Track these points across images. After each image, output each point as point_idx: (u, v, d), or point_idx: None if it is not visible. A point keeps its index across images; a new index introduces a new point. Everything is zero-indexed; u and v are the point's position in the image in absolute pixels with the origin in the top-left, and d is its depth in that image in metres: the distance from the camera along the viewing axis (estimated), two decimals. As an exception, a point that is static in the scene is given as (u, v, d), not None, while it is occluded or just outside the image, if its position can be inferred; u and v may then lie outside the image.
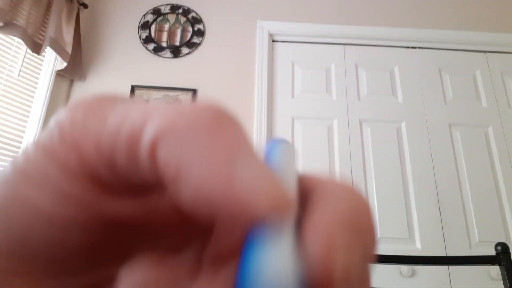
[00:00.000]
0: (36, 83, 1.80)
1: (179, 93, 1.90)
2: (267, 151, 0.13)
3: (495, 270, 1.61)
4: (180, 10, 2.08)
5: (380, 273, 1.61)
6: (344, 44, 2.05)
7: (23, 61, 1.73)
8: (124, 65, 1.97)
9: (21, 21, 1.63)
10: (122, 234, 0.12)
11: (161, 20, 2.07)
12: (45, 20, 1.80)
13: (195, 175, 0.09)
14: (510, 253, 0.91)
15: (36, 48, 1.71)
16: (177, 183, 0.10)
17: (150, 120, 0.10)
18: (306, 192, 0.12)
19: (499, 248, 0.92)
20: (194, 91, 1.90)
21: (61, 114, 0.12)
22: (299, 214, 0.11)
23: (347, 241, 0.10)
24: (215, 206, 0.09)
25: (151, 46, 2.00)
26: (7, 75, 1.66)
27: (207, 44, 2.02)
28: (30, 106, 1.76)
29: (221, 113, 0.11)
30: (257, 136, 1.81)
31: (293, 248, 0.10)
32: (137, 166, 0.10)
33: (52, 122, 0.12)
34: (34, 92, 1.78)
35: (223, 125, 0.10)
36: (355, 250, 0.10)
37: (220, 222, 0.10)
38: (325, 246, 0.10)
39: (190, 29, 2.05)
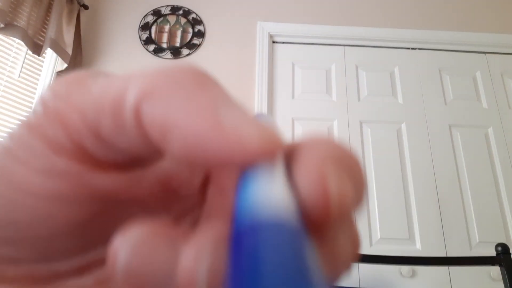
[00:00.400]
0: (36, 84, 1.80)
1: (180, 94, 1.90)
2: None
3: (495, 271, 1.61)
4: (181, 11, 2.09)
5: (380, 274, 1.61)
6: (344, 45, 2.05)
7: (23, 62, 1.73)
8: (125, 66, 1.97)
9: (21, 22, 1.63)
10: (109, 210, 0.12)
11: (161, 21, 2.07)
12: (46, 21, 1.80)
13: (182, 128, 0.10)
14: (510, 254, 0.91)
15: (37, 49, 1.71)
16: (165, 139, 0.10)
17: (132, 83, 0.10)
18: (292, 148, 0.12)
19: (499, 248, 0.92)
20: (194, 92, 1.90)
21: (45, 91, 0.12)
22: (286, 163, 0.11)
23: (338, 171, 0.10)
24: (207, 154, 0.10)
25: (152, 47, 2.00)
26: (7, 76, 1.66)
27: (207, 45, 2.03)
28: (30, 108, 1.76)
29: (200, 71, 0.11)
30: (257, 137, 1.81)
31: (285, 181, 0.10)
32: (123, 131, 0.10)
33: (36, 101, 0.12)
34: (34, 93, 1.78)
35: (203, 82, 0.11)
36: (346, 179, 0.10)
37: (214, 168, 0.10)
38: (318, 174, 0.10)
39: (191, 30, 2.05)
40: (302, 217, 0.10)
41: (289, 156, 0.11)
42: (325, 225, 0.10)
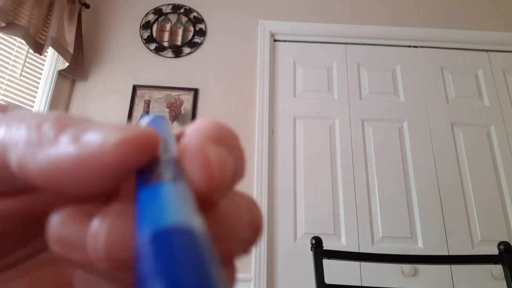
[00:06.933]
0: (38, 83, 1.80)
1: (181, 92, 1.90)
2: (140, 121, 0.15)
3: (497, 269, 1.60)
4: (182, 10, 2.09)
5: (382, 272, 1.61)
6: (345, 43, 2.05)
7: (25, 61, 1.74)
8: (126, 65, 1.97)
9: (23, 21, 1.64)
10: (19, 225, 0.13)
11: (162, 20, 2.07)
12: (47, 20, 1.80)
13: (62, 173, 0.10)
14: (513, 252, 0.91)
15: (38, 48, 1.72)
16: (58, 187, 0.11)
17: (12, 144, 0.11)
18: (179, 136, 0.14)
19: (501, 247, 0.92)
20: (195, 91, 1.90)
21: None
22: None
23: (216, 147, 0.12)
24: (91, 182, 0.11)
25: (153, 46, 2.00)
26: (9, 75, 1.66)
27: (209, 43, 2.02)
28: (32, 106, 1.76)
29: (58, 114, 0.12)
30: (259, 135, 1.81)
31: (176, 172, 0.11)
32: (17, 179, 0.12)
33: None
34: (36, 92, 1.79)
35: (63, 121, 0.12)
36: (224, 152, 0.12)
37: (105, 185, 0.11)
38: (199, 152, 0.11)
39: (192, 28, 2.05)
40: (195, 198, 0.11)
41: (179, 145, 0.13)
42: (212, 195, 0.11)
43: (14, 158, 0.11)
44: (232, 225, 0.12)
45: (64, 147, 0.11)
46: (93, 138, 0.11)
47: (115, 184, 0.11)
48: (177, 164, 0.11)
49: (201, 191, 0.11)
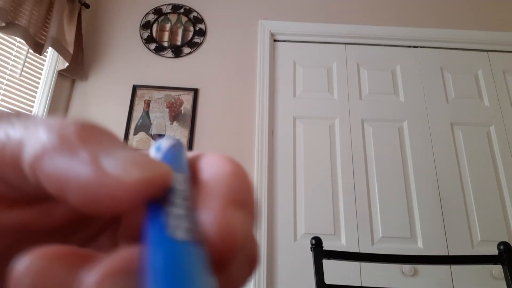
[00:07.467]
0: (38, 83, 1.80)
1: (181, 92, 1.90)
2: (155, 147, 0.15)
3: (497, 270, 1.60)
4: (182, 10, 2.09)
5: (382, 273, 1.61)
6: (345, 43, 2.05)
7: (25, 61, 1.74)
8: (126, 65, 1.97)
9: (23, 21, 1.64)
10: (25, 240, 0.13)
11: (162, 20, 2.07)
12: (47, 20, 1.80)
13: (73, 183, 0.11)
14: (512, 253, 0.91)
15: (38, 48, 1.72)
16: (63, 194, 0.11)
17: (26, 143, 0.11)
18: (195, 170, 0.14)
19: (501, 247, 0.92)
20: (195, 91, 1.90)
21: None
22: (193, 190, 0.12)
23: (239, 214, 0.12)
24: (98, 202, 0.11)
25: (153, 46, 2.00)
26: (9, 75, 1.66)
27: (209, 43, 2.02)
28: (32, 106, 1.76)
29: (84, 124, 0.12)
30: (259, 135, 1.81)
31: (187, 212, 0.11)
32: (25, 180, 0.12)
33: None
34: (36, 92, 1.79)
35: (87, 133, 0.12)
36: (246, 220, 0.12)
37: (108, 213, 0.11)
38: (221, 220, 0.11)
39: (192, 28, 2.05)
40: (206, 252, 0.11)
41: (194, 177, 0.13)
42: (228, 262, 0.11)
43: (28, 157, 0.11)
44: (238, 279, 0.12)
45: (82, 165, 0.11)
46: (113, 167, 0.11)
47: (121, 213, 0.11)
48: (192, 214, 0.11)
49: (217, 258, 0.11)
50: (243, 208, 0.12)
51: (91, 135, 0.11)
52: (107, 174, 0.10)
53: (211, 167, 0.13)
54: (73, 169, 0.11)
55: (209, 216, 0.11)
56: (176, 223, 0.11)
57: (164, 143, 0.15)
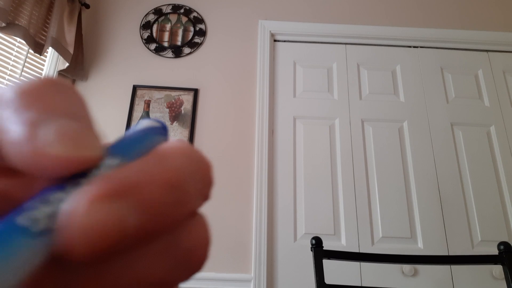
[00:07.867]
0: (38, 83, 1.80)
1: (181, 92, 1.90)
2: (136, 125, 0.15)
3: (497, 270, 1.60)
4: (182, 10, 2.09)
5: (382, 272, 1.61)
6: (346, 43, 2.05)
7: (25, 61, 1.74)
8: (126, 65, 1.97)
9: (23, 21, 1.64)
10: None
11: (162, 20, 2.07)
12: (47, 20, 1.80)
13: (7, 140, 0.11)
14: (512, 253, 0.91)
15: (38, 48, 1.72)
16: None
17: None
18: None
19: (501, 247, 0.92)
20: (195, 91, 1.90)
21: None
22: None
23: (119, 197, 0.11)
24: (24, 166, 0.11)
25: (153, 46, 2.00)
26: (9, 75, 1.66)
27: (209, 44, 2.02)
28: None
29: (50, 83, 0.12)
30: (259, 135, 1.81)
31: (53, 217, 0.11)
32: None
33: None
34: (36, 92, 1.78)
35: (44, 93, 0.12)
36: (118, 211, 0.11)
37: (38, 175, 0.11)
38: (82, 209, 0.10)
39: (192, 29, 2.05)
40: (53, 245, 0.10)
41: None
42: (87, 260, 0.10)
43: None
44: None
45: (20, 125, 0.11)
46: (45, 135, 0.11)
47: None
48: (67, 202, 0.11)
49: (67, 252, 0.10)
50: (131, 198, 0.11)
51: (47, 97, 0.12)
52: (37, 140, 0.11)
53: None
54: (13, 125, 0.11)
55: (66, 206, 0.11)
56: (46, 208, 0.10)
57: (143, 123, 0.15)
